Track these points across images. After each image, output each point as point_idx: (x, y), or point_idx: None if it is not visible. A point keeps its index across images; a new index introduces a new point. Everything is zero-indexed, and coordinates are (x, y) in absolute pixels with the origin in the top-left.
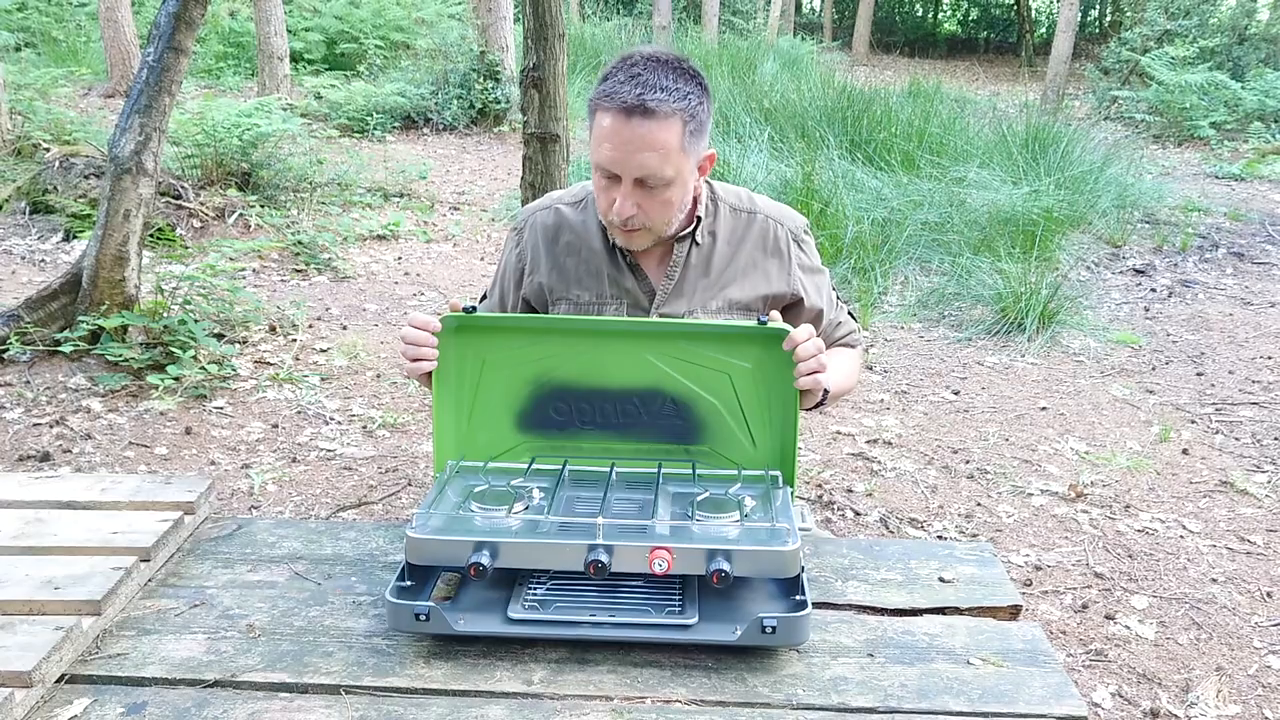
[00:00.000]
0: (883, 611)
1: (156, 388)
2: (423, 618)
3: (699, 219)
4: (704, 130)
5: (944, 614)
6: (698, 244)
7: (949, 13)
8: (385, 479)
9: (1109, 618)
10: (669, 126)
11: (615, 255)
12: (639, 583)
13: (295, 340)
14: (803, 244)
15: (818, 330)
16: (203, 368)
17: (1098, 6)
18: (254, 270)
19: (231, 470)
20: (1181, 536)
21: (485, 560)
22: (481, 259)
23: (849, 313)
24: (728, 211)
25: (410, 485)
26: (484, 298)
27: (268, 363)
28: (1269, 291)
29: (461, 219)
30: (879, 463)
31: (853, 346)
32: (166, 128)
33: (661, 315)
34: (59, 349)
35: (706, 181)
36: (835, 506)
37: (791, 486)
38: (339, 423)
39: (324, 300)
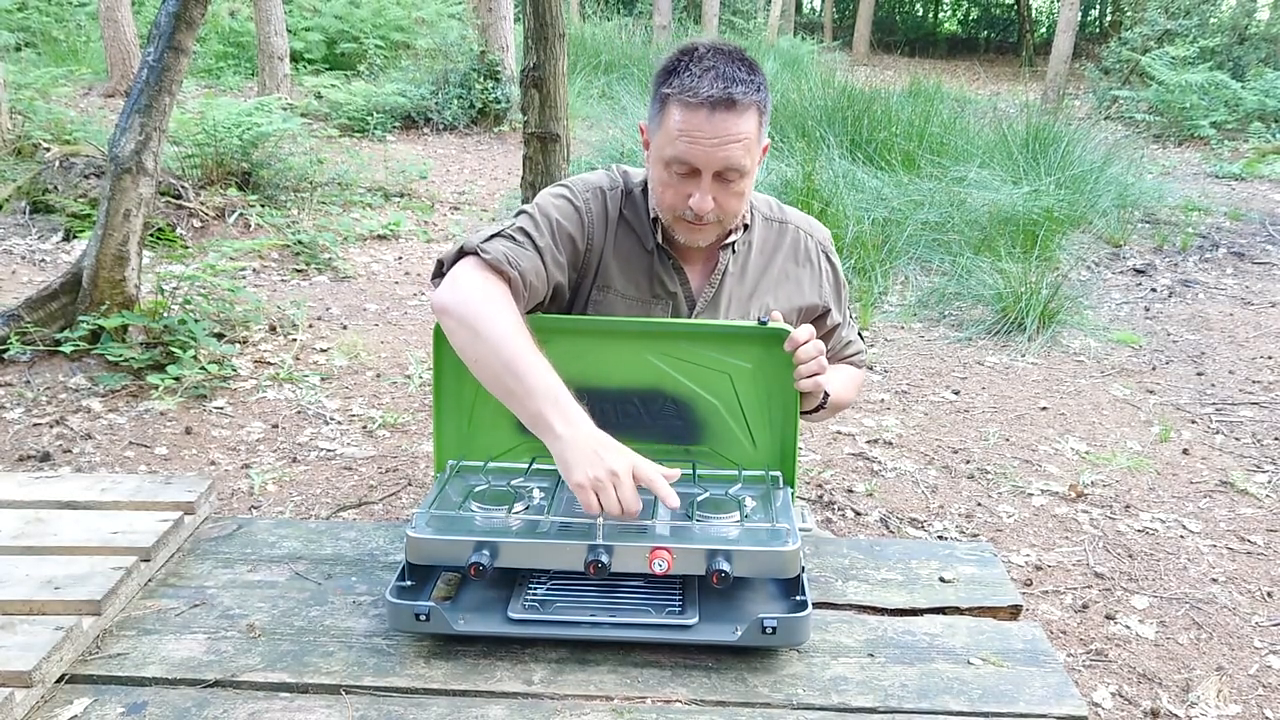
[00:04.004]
0: (883, 611)
1: (156, 388)
2: (423, 618)
3: (746, 225)
4: (768, 120)
5: (944, 614)
6: (734, 252)
7: (949, 12)
8: (385, 479)
9: (1109, 618)
10: (749, 118)
11: (663, 256)
12: (639, 583)
13: (295, 340)
14: (831, 256)
15: (829, 344)
16: (203, 368)
17: (1098, 6)
18: (254, 270)
19: (231, 470)
20: (1182, 536)
21: (485, 560)
22: None
23: (859, 333)
24: (760, 220)
25: (410, 485)
26: (494, 235)
27: (268, 363)
28: (1269, 291)
29: (462, 219)
30: (879, 463)
31: (858, 366)
32: (167, 127)
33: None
34: (59, 349)
35: None
36: (835, 506)
37: (792, 487)
38: (339, 423)
39: (324, 300)
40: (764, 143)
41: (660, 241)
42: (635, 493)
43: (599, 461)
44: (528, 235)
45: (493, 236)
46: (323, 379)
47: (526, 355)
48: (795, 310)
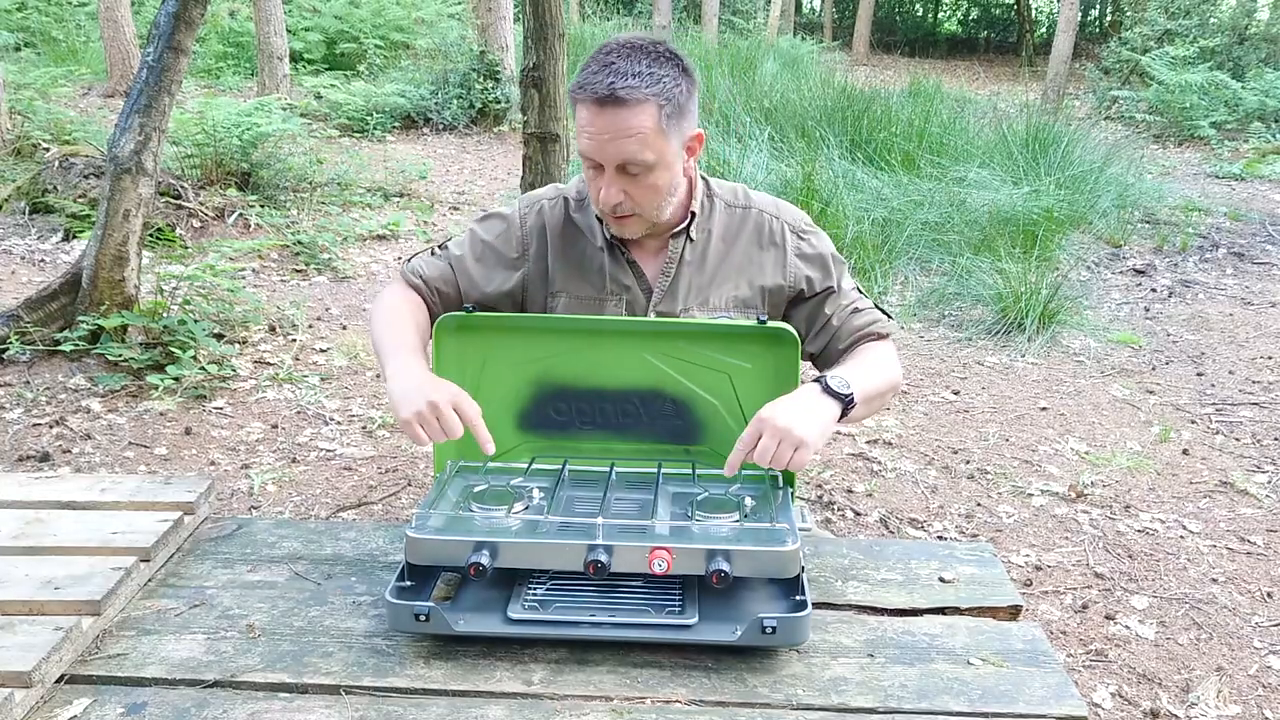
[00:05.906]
0: (883, 611)
1: (156, 388)
2: (423, 618)
3: (693, 214)
4: (684, 112)
5: (944, 614)
6: (692, 240)
7: (949, 12)
8: (385, 479)
9: (1109, 618)
10: (642, 112)
11: (614, 252)
12: (639, 583)
13: (295, 340)
14: (803, 235)
15: (825, 317)
16: (202, 368)
17: (1098, 6)
18: (254, 270)
19: (231, 470)
20: (1181, 537)
21: (485, 560)
22: None
23: (877, 306)
24: (723, 208)
25: (410, 485)
26: (426, 252)
27: (267, 363)
28: (1269, 291)
29: (461, 219)
30: (879, 463)
31: (883, 336)
32: (166, 128)
33: (659, 313)
34: (59, 349)
35: (703, 178)
36: (835, 506)
37: (791, 487)
38: (339, 423)
39: (324, 300)
40: (691, 133)
41: (610, 238)
42: (455, 419)
43: (420, 397)
44: (446, 250)
45: (422, 254)
46: (322, 379)
47: (395, 333)
48: (758, 292)
